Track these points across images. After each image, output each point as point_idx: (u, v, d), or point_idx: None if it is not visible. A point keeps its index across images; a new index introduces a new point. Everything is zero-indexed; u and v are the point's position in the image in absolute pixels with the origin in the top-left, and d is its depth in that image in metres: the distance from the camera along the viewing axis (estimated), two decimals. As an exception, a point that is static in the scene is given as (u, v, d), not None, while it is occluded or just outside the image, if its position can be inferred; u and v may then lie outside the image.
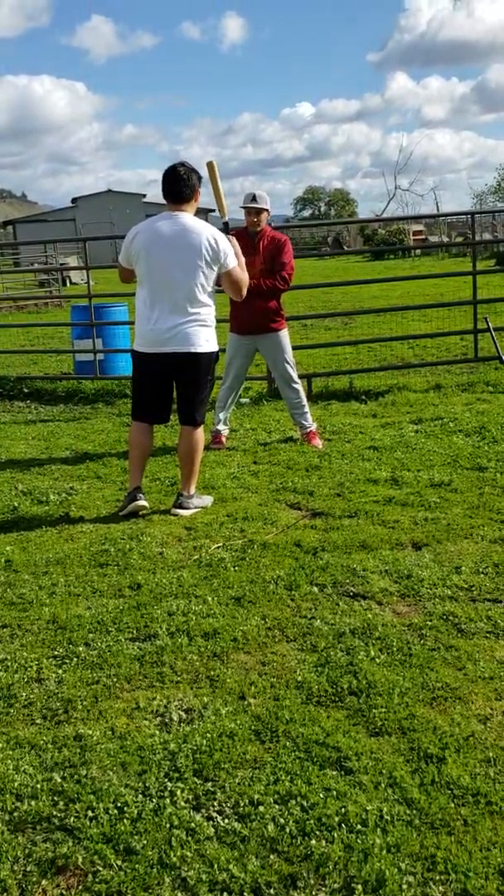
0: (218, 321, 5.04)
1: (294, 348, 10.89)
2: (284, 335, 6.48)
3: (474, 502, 4.76)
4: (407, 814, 2.27)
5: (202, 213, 6.61)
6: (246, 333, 6.43)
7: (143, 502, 4.83)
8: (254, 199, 6.17)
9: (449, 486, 5.09)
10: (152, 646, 3.25)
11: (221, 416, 6.62)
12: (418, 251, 34.03)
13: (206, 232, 4.81)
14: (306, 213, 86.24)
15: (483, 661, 3.06)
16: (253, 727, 2.70)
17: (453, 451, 5.86)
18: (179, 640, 3.28)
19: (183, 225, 4.79)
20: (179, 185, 4.85)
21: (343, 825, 2.23)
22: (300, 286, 15.59)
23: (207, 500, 5.02)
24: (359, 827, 2.22)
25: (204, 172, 5.19)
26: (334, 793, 2.36)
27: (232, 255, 4.91)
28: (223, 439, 6.59)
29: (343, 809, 2.28)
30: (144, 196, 58.38)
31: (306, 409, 6.52)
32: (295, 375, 6.53)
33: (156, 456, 6.12)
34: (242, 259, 5.15)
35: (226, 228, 5.86)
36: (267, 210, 6.24)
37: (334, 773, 2.46)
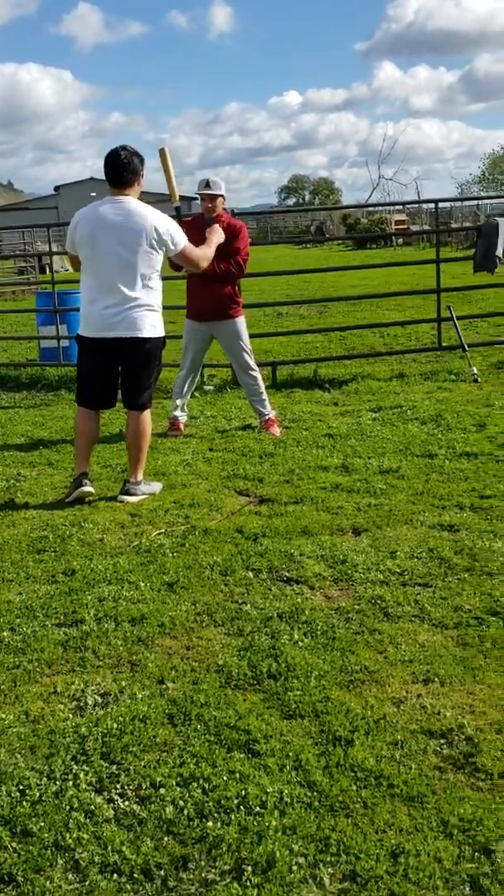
0: (173, 307, 5.03)
1: (263, 336, 10.97)
2: (241, 322, 6.46)
3: (419, 489, 4.77)
4: (307, 796, 2.28)
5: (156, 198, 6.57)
6: (202, 320, 6.40)
7: (88, 488, 4.82)
8: (207, 184, 6.13)
9: (397, 472, 5.10)
10: (78, 631, 3.25)
11: (178, 402, 6.60)
12: (400, 240, 34.00)
13: (151, 215, 4.78)
14: (290, 201, 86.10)
15: (405, 645, 3.07)
16: (167, 711, 2.70)
17: (407, 439, 5.87)
18: (106, 625, 3.28)
19: (127, 209, 4.76)
20: (121, 169, 4.81)
21: (241, 807, 2.23)
22: (278, 272, 15.64)
23: (156, 486, 5.01)
24: (257, 809, 2.23)
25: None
26: (237, 775, 2.36)
27: (179, 234, 4.90)
28: (181, 426, 6.57)
29: (244, 792, 2.28)
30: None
31: (264, 396, 6.51)
32: (252, 362, 6.51)
33: (111, 442, 6.11)
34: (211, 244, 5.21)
35: (177, 214, 5.85)
36: (222, 196, 6.20)
37: (241, 755, 2.46)
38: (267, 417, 6.47)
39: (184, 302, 6.54)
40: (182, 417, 6.62)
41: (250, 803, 2.25)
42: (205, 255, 5.17)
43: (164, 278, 5.04)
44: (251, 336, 10.30)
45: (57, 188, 60.14)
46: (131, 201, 4.81)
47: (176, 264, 5.49)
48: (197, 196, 6.29)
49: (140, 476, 4.94)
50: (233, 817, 2.20)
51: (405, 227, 38.29)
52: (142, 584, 3.63)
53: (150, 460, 5.64)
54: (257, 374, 6.53)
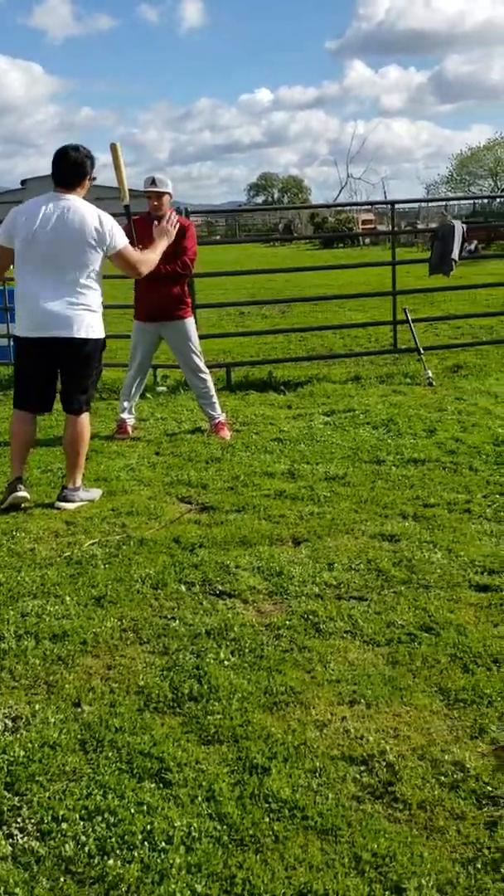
0: (122, 306, 4.86)
1: (222, 336, 10.86)
2: (190, 323, 6.34)
3: (364, 496, 4.69)
4: (216, 830, 2.18)
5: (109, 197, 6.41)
6: (150, 321, 6.28)
7: (23, 493, 4.68)
8: (153, 182, 6.00)
9: (343, 479, 5.01)
10: (-4, 649, 3.12)
11: (126, 404, 6.46)
12: (367, 240, 34.03)
13: (92, 213, 4.65)
14: (259, 199, 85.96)
15: (333, 663, 2.97)
16: (80, 736, 2.58)
17: (356, 444, 5.79)
18: (26, 642, 3.15)
19: (68, 207, 4.63)
20: (68, 170, 4.68)
21: (146, 843, 2.13)
22: (237, 272, 15.51)
23: (95, 493, 4.88)
24: (162, 845, 2.12)
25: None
26: (145, 807, 2.25)
27: (120, 235, 4.75)
28: (128, 429, 6.44)
29: (150, 826, 2.18)
30: (94, 179, 57.55)
31: (214, 399, 6.40)
32: (202, 364, 6.40)
33: (53, 445, 5.95)
34: (162, 246, 5.08)
35: (127, 212, 5.71)
36: (168, 193, 6.07)
37: (152, 785, 2.35)
38: (217, 421, 6.36)
39: (132, 301, 6.41)
40: (130, 420, 6.49)
41: (156, 838, 2.14)
42: (146, 259, 5.00)
43: (111, 277, 4.90)
44: (211, 336, 10.27)
45: (24, 182, 59.40)
46: (74, 199, 4.68)
47: None
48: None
49: (78, 482, 4.81)
50: (136, 854, 2.09)
51: (372, 226, 38.39)
52: (68, 599, 3.50)
53: (94, 464, 5.52)
54: (207, 376, 6.42)
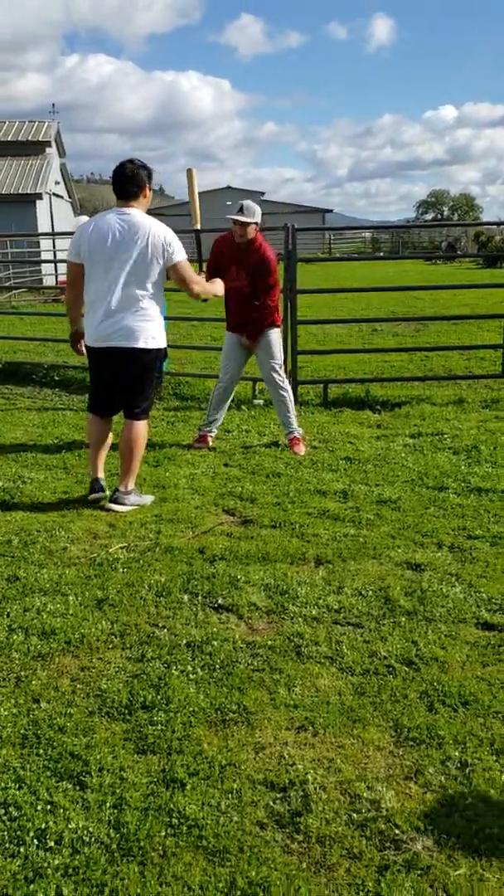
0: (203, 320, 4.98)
1: (340, 352, 10.83)
2: (275, 334, 6.37)
3: (408, 522, 4.57)
4: (109, 837, 2.20)
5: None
6: (240, 332, 6.36)
7: (98, 494, 4.95)
8: (241, 210, 6.04)
9: (394, 503, 4.91)
10: (-15, 640, 3.25)
11: (212, 416, 6.54)
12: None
13: (153, 227, 4.78)
14: (428, 216, 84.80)
15: (299, 688, 2.93)
16: (24, 731, 2.67)
17: (426, 469, 5.65)
18: (14, 637, 3.28)
19: (129, 221, 4.78)
20: (125, 182, 4.84)
21: (36, 840, 2.18)
22: (379, 288, 15.34)
23: (147, 498, 5.00)
24: (51, 844, 2.17)
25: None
26: (50, 807, 2.30)
27: (179, 249, 4.87)
28: (209, 440, 6.52)
29: (46, 824, 2.23)
30: (263, 193, 58.56)
31: (291, 413, 6.40)
32: (282, 378, 6.41)
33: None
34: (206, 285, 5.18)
35: (197, 237, 5.85)
36: (255, 223, 6.07)
37: (68, 786, 2.40)
38: (293, 436, 6.36)
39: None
40: (212, 432, 6.56)
41: (47, 838, 2.19)
42: (201, 283, 5.09)
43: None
44: (332, 352, 10.29)
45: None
46: (135, 212, 4.83)
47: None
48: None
49: (131, 485, 4.95)
50: (21, 850, 2.14)
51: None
52: (72, 599, 3.61)
53: (161, 471, 5.65)
54: (286, 390, 6.43)
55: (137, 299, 4.79)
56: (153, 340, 4.87)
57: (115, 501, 4.87)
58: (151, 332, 4.85)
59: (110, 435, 5.26)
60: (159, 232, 4.78)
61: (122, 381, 4.96)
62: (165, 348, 5.01)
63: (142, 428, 5.00)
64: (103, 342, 4.85)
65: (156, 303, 4.87)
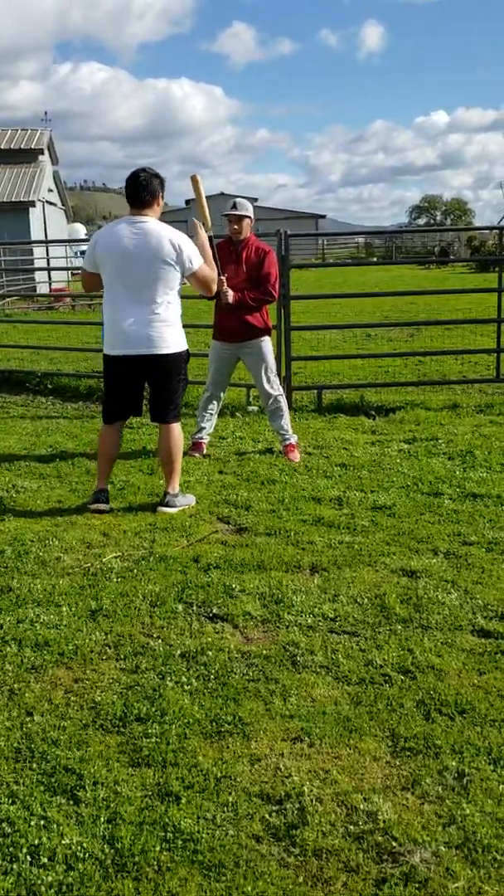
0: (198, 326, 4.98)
1: (332, 358, 10.82)
2: (267, 344, 6.36)
3: (403, 529, 4.56)
4: (104, 852, 2.18)
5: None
6: (228, 342, 6.34)
7: (104, 506, 4.95)
8: (234, 206, 6.08)
9: (389, 509, 4.89)
10: (-22, 652, 3.23)
11: (202, 424, 6.53)
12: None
13: (168, 234, 4.80)
14: (421, 221, 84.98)
15: (295, 698, 2.91)
16: (17, 745, 2.64)
17: (420, 474, 5.63)
18: (7, 649, 3.25)
19: (144, 228, 4.79)
20: (139, 189, 4.85)
21: (30, 856, 2.15)
22: (373, 294, 15.38)
23: (191, 499, 5.11)
24: (44, 860, 2.14)
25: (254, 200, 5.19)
26: (44, 822, 2.28)
27: (196, 256, 4.89)
28: (203, 447, 6.51)
29: (39, 840, 2.20)
30: (256, 199, 58.63)
31: (285, 421, 6.39)
32: (276, 386, 6.40)
33: (125, 459, 6.08)
34: (209, 257, 5.14)
35: (211, 242, 5.82)
36: (249, 217, 6.13)
37: (62, 801, 2.38)
38: (288, 443, 6.34)
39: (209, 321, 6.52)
40: (205, 439, 6.55)
41: (41, 854, 2.16)
42: (214, 278, 5.15)
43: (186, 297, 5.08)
44: (327, 358, 10.29)
45: (188, 202, 61.23)
46: (149, 220, 4.84)
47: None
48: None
49: (177, 488, 5.06)
50: (14, 867, 2.12)
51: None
52: (66, 609, 3.59)
53: (157, 479, 5.62)
54: (281, 398, 6.42)
55: (156, 306, 4.82)
56: (174, 344, 4.90)
57: (167, 504, 4.96)
58: (172, 336, 4.90)
59: (119, 446, 5.32)
60: (175, 239, 4.79)
61: (151, 388, 5.05)
62: (188, 350, 5.04)
63: (177, 430, 5.07)
64: (125, 350, 4.87)
65: (174, 308, 4.90)
